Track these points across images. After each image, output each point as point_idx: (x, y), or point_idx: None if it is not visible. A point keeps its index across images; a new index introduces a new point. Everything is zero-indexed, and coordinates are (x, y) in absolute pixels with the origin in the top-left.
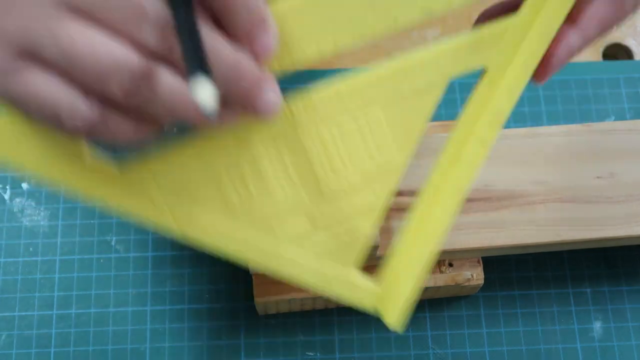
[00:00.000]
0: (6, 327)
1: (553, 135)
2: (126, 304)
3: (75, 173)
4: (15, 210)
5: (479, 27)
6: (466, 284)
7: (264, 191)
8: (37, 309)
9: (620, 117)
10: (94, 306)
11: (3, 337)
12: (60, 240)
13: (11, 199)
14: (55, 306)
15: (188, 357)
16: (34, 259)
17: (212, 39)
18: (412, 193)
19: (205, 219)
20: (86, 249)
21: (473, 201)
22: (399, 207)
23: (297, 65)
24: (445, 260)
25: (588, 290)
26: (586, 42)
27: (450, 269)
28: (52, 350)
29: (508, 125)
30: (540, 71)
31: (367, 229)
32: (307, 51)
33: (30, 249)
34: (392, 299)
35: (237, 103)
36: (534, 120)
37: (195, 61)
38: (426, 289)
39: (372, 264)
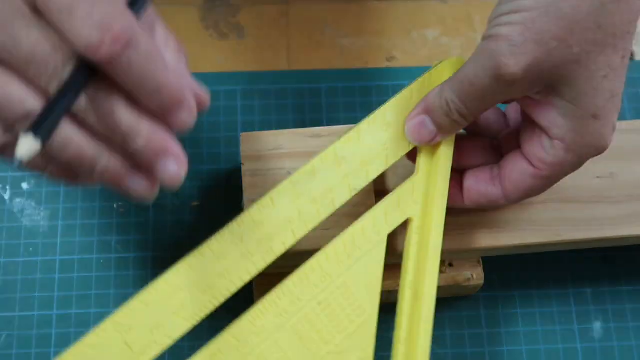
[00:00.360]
0: (6, 327)
1: None
2: None
3: None
4: (15, 210)
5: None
6: (466, 284)
7: None
8: (37, 309)
9: (620, 117)
10: (94, 306)
11: (3, 337)
12: (60, 240)
13: (11, 199)
14: (55, 306)
15: (188, 356)
16: (34, 259)
17: (112, 106)
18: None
19: None
20: (86, 249)
21: None
22: None
23: (270, 258)
24: (445, 260)
25: (588, 290)
26: (506, 203)
27: (450, 269)
28: (52, 350)
29: None
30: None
31: None
32: (274, 246)
33: (30, 249)
34: None
35: (144, 169)
36: None
37: (40, 120)
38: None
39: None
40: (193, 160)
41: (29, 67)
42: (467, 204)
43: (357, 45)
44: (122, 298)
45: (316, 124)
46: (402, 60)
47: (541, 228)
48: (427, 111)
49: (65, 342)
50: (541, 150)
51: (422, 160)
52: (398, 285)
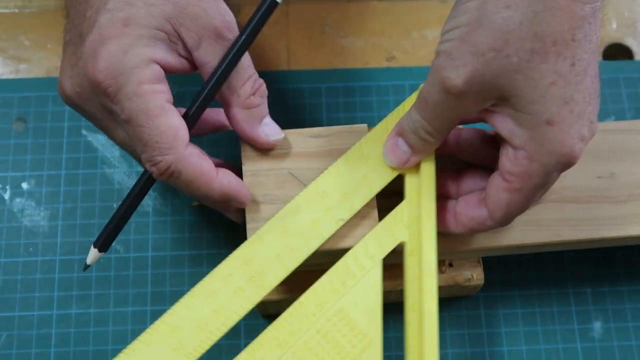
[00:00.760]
0: (6, 327)
1: None
2: (126, 304)
3: None
4: (15, 210)
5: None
6: (466, 284)
7: None
8: (37, 309)
9: (620, 117)
10: (94, 306)
11: (3, 337)
12: (60, 240)
13: (11, 199)
14: (55, 306)
15: None
16: (34, 259)
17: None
18: None
19: None
20: (86, 249)
21: None
22: None
23: (264, 292)
24: (445, 260)
25: (588, 290)
26: (495, 225)
27: (450, 269)
28: (52, 350)
29: None
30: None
31: None
32: (266, 281)
33: (30, 249)
34: None
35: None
36: None
37: (100, 238)
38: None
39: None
40: None
41: (126, 150)
42: (459, 229)
43: (357, 45)
44: (122, 298)
45: (316, 124)
46: (402, 60)
47: (541, 228)
48: (400, 133)
49: (65, 342)
50: (508, 162)
51: (407, 185)
52: (393, 286)
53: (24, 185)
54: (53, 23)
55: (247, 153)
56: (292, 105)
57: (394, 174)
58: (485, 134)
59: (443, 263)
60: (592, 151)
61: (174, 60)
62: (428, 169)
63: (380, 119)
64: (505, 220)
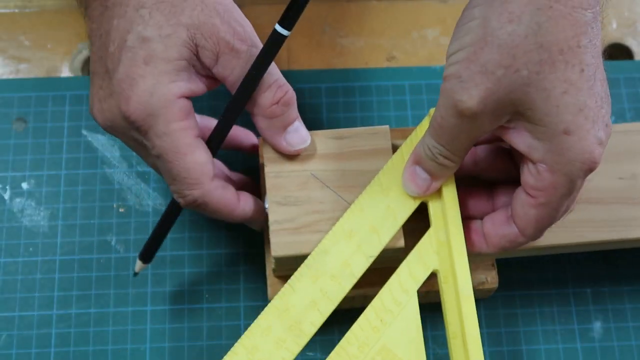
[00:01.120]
0: (6, 327)
1: None
2: (126, 304)
3: None
4: (15, 210)
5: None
6: (480, 287)
7: None
8: (37, 309)
9: (620, 117)
10: (94, 306)
11: (3, 337)
12: (60, 240)
13: (11, 199)
14: (55, 306)
15: (188, 357)
16: (34, 259)
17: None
18: None
19: None
20: (86, 249)
21: None
22: None
23: (303, 341)
24: None
25: (588, 290)
26: (527, 240)
27: None
28: (52, 350)
29: None
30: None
31: None
32: (304, 329)
33: (30, 249)
34: None
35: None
36: None
37: (144, 250)
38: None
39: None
40: None
41: (157, 172)
42: (490, 249)
43: (357, 45)
44: (122, 298)
45: (316, 123)
46: (402, 60)
47: (564, 229)
48: (417, 161)
49: (65, 342)
50: (530, 177)
51: (432, 211)
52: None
53: (24, 185)
54: (53, 23)
55: (269, 155)
56: None
57: (417, 203)
58: (500, 148)
59: None
60: (613, 152)
61: (197, 87)
62: (450, 193)
63: (380, 119)
64: (537, 234)
